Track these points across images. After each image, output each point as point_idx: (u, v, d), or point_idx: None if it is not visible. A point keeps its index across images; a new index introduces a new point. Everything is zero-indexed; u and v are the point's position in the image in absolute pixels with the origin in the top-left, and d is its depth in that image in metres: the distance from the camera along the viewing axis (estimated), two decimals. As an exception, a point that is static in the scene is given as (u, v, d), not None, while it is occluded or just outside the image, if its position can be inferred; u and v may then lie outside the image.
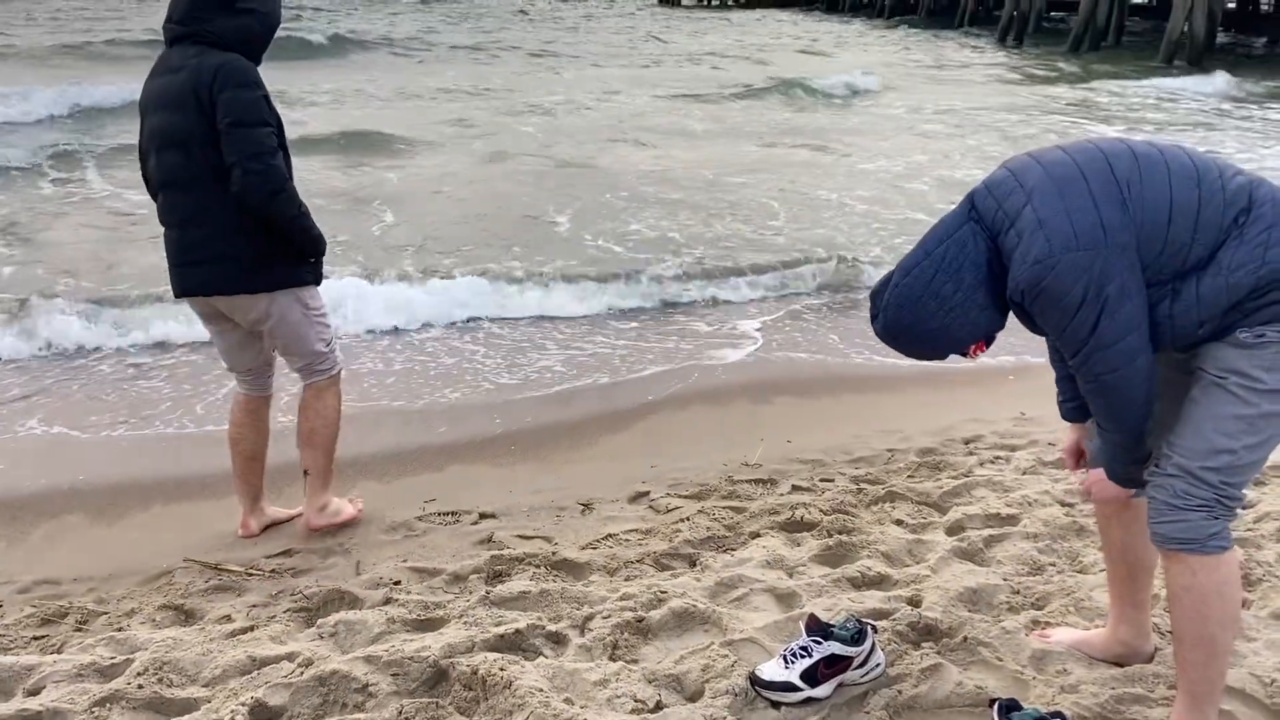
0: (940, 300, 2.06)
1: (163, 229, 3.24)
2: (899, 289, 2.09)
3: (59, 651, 2.69)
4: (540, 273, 7.03)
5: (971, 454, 4.18)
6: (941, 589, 2.81)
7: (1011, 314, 2.15)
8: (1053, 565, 3.05)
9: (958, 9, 38.90)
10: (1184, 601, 2.10)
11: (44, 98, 13.40)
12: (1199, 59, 23.50)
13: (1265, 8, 35.21)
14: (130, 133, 6.64)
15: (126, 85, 12.20)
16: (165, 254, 3.25)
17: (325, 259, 3.39)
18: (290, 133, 3.33)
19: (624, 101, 16.32)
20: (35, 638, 2.82)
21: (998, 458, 4.10)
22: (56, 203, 8.80)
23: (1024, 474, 3.87)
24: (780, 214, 9.08)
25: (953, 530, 3.34)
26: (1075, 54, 26.88)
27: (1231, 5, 33.37)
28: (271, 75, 3.30)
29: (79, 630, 2.87)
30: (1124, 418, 2.10)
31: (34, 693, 2.43)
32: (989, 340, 2.16)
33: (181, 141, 3.06)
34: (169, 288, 3.31)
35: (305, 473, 3.55)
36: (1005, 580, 2.90)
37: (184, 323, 5.66)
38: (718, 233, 8.31)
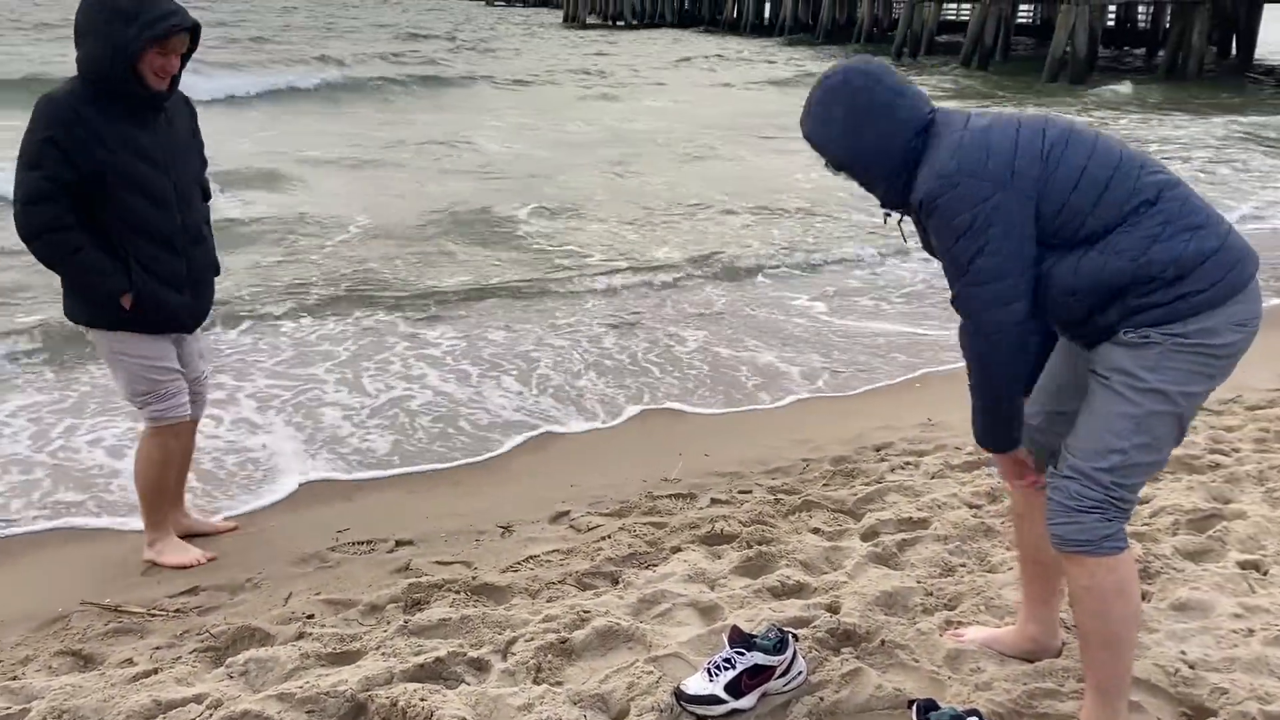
0: (876, 110, 2.15)
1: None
2: (858, 71, 2.18)
3: (-54, 707, 2.53)
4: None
5: (883, 460, 4.27)
6: (858, 594, 2.86)
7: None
8: (963, 566, 3.13)
9: (854, 28, 40.01)
10: (1085, 602, 2.15)
11: None
12: (1082, 76, 24.65)
13: (1142, 24, 37.12)
14: None
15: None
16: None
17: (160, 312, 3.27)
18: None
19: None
20: (-81, 693, 2.65)
21: (908, 463, 4.20)
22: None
23: (933, 478, 3.97)
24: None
25: (867, 536, 3.41)
26: (966, 69, 27.91)
27: (1110, 23, 35.12)
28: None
29: (-32, 683, 2.71)
30: (986, 373, 2.17)
31: (-81, 752, 2.28)
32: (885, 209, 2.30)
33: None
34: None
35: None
36: (919, 583, 2.97)
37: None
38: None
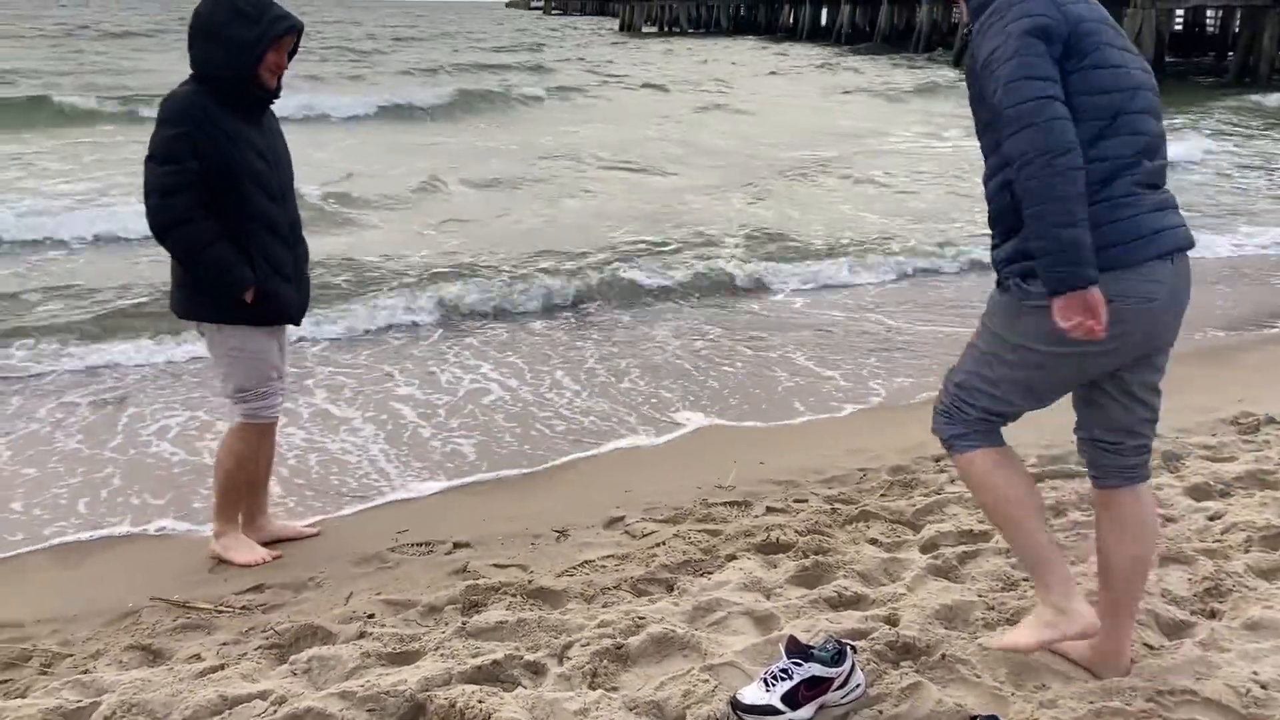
0: None
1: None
2: None
3: (23, 696, 2.61)
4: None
5: (942, 471, 4.21)
6: (918, 607, 2.83)
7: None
8: (1026, 580, 3.07)
9: (913, 34, 39.63)
10: (968, 488, 2.54)
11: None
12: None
13: (1210, 28, 36.19)
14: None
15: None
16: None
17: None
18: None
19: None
20: (-2, 682, 2.75)
21: (968, 475, 4.13)
22: None
23: (994, 490, 3.90)
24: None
25: (926, 548, 3.36)
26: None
27: (1178, 27, 34.30)
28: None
29: (44, 673, 2.80)
30: (1044, 189, 2.03)
31: (-3, 740, 2.36)
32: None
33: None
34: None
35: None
36: (980, 596, 2.92)
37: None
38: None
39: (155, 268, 7.19)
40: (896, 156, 14.67)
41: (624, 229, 9.47)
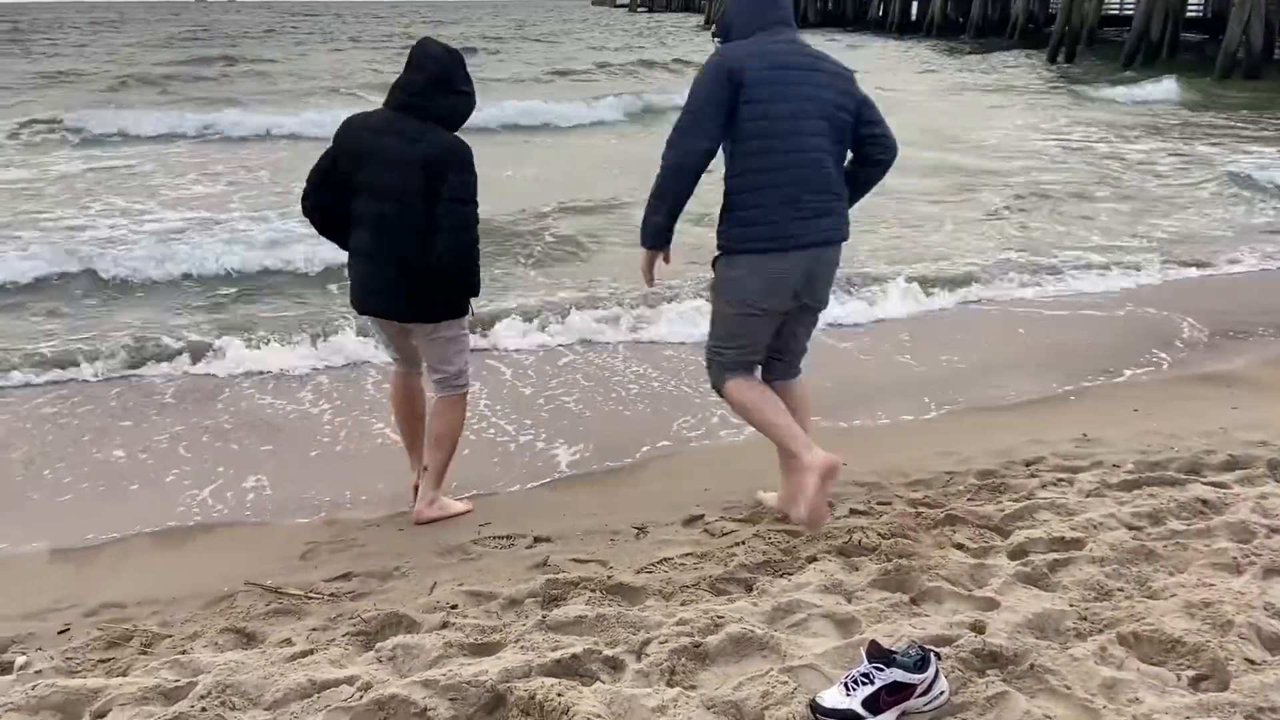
0: None
1: (362, 260, 3.69)
2: None
3: (125, 674, 2.73)
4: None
5: (1033, 476, 4.09)
6: (1006, 614, 2.75)
7: None
8: (1120, 590, 2.97)
9: (1007, 25, 38.59)
10: (734, 412, 3.60)
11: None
12: (1257, 71, 23.05)
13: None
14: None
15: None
16: (360, 285, 3.74)
17: None
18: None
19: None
20: (102, 660, 2.87)
21: (1060, 480, 4.01)
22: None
23: (1088, 496, 3.78)
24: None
25: (1016, 554, 3.27)
26: (1129, 69, 26.51)
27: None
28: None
29: (144, 653, 2.92)
30: (659, 181, 3.26)
31: (101, 715, 2.46)
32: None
33: (420, 202, 3.54)
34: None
35: (424, 469, 3.94)
36: (1072, 606, 2.83)
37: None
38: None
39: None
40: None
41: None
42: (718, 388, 3.50)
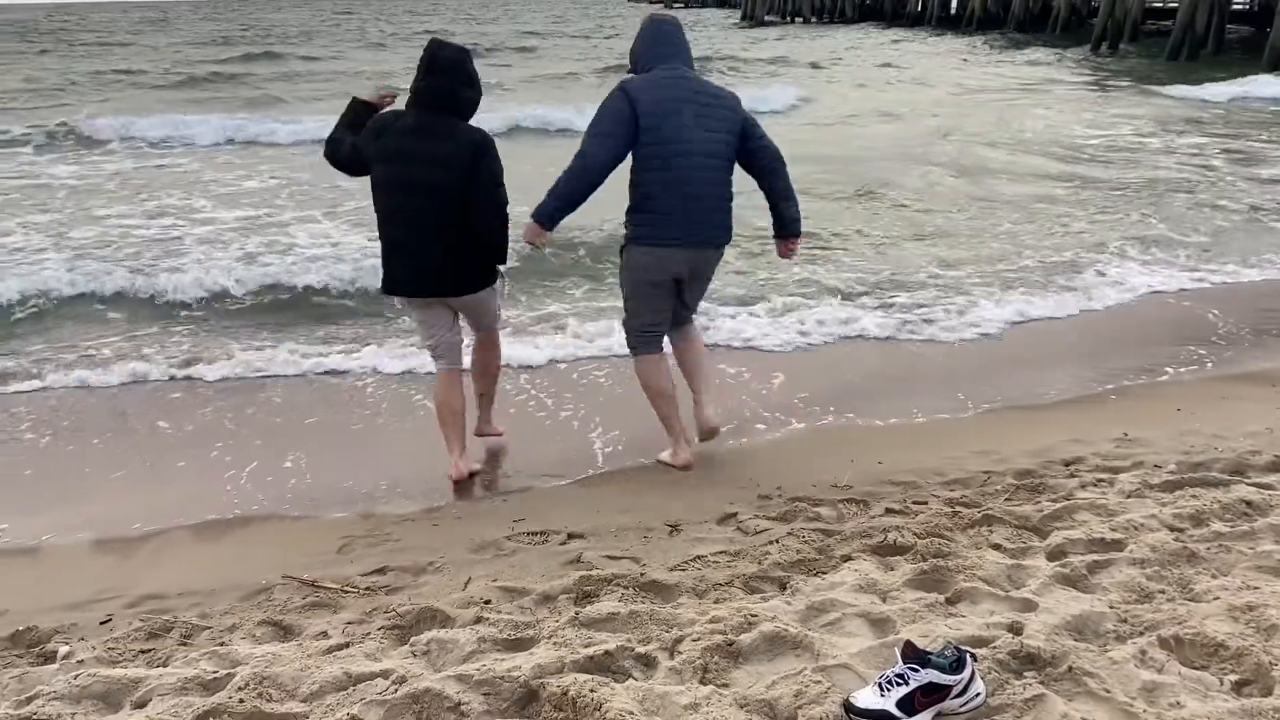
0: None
1: (396, 253, 4.03)
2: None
3: (165, 665, 2.78)
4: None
5: (1072, 476, 4.03)
6: (1044, 616, 2.71)
7: None
8: (1162, 592, 2.92)
9: (1049, 18, 38.07)
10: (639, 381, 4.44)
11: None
12: (1309, 63, 22.53)
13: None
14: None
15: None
16: (399, 271, 4.07)
17: None
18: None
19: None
20: (143, 651, 2.92)
21: (1100, 480, 3.95)
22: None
23: (1128, 497, 3.72)
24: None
25: (1054, 555, 3.22)
26: (1174, 61, 26.03)
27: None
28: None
29: (183, 644, 2.96)
30: (564, 179, 3.95)
31: (141, 705, 2.51)
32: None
33: (454, 192, 3.92)
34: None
35: (481, 396, 4.63)
36: (1111, 608, 2.78)
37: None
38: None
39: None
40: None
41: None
42: (633, 352, 4.36)
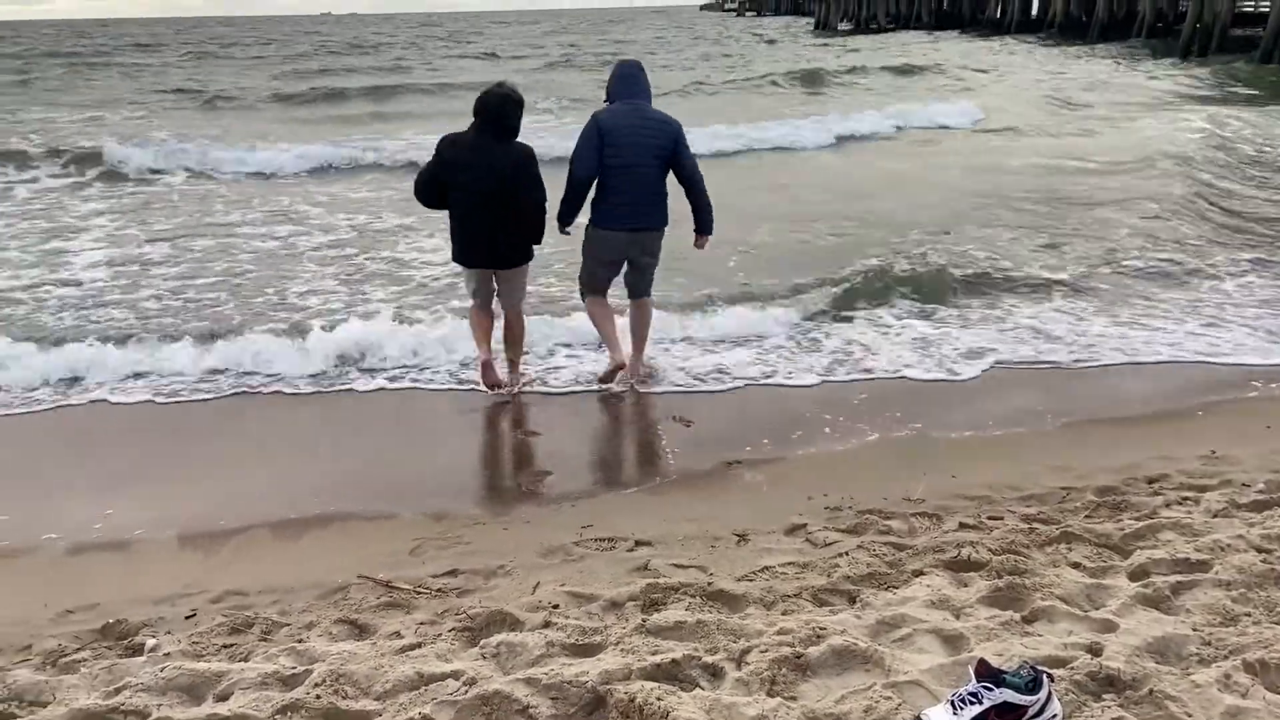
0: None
1: (470, 234, 5.30)
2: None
3: (246, 660, 2.86)
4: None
5: (1156, 494, 3.92)
6: (1125, 637, 2.64)
7: None
8: (1248, 615, 2.81)
9: (1134, 23, 37.08)
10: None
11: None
12: None
13: None
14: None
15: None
16: (468, 248, 5.36)
17: None
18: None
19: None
20: (225, 646, 3.01)
21: (1185, 499, 3.83)
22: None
23: (1215, 517, 3.60)
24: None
25: (1136, 575, 3.13)
26: (1265, 65, 25.12)
27: None
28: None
29: (264, 640, 3.05)
30: (566, 195, 5.36)
31: (223, 698, 2.59)
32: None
33: (508, 191, 5.22)
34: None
35: (511, 362, 5.66)
36: (1195, 630, 2.69)
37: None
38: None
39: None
40: None
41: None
42: (583, 298, 5.69)
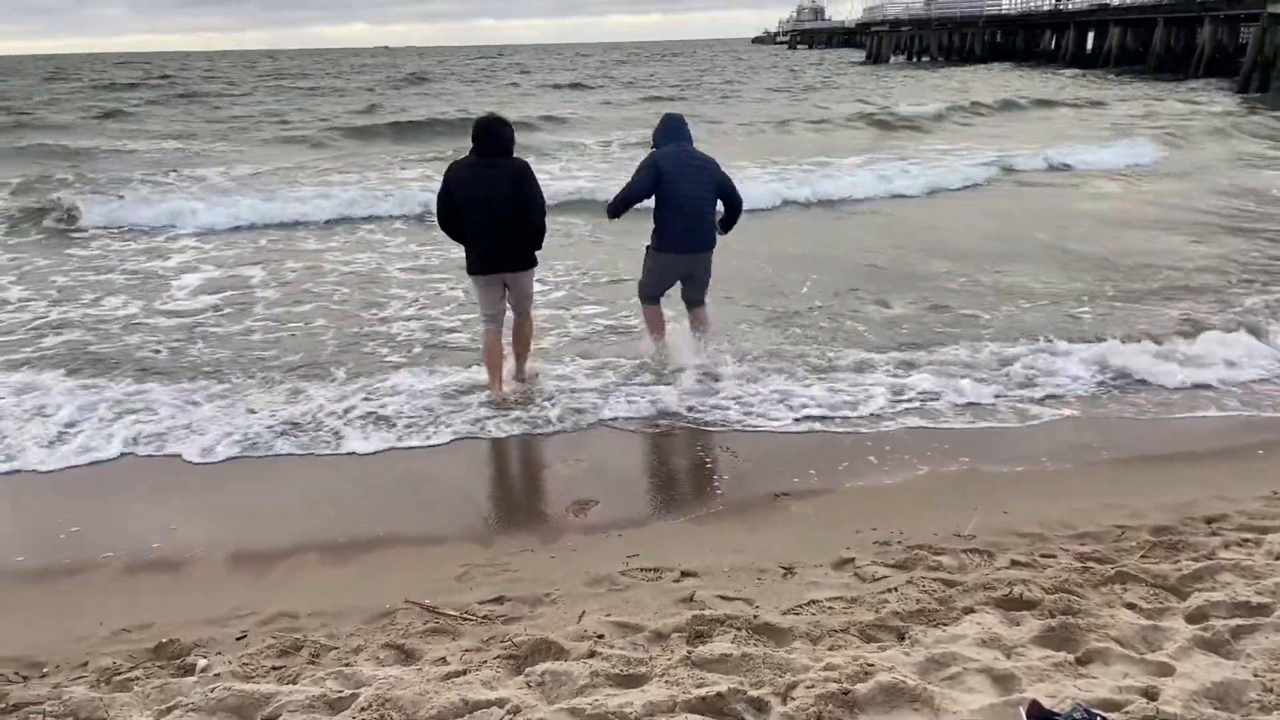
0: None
1: (479, 244, 5.80)
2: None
3: (294, 682, 2.89)
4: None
5: (1215, 535, 3.82)
6: (1182, 681, 2.57)
7: None
8: (1315, 665, 2.72)
9: (1192, 56, 36.58)
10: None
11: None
12: None
13: None
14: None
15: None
16: (480, 257, 5.83)
17: None
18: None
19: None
20: (274, 668, 3.05)
21: (1246, 540, 3.73)
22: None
23: (1277, 559, 3.50)
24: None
25: (1194, 618, 3.05)
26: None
27: None
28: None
29: (312, 663, 3.09)
30: (617, 199, 6.25)
31: None
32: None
33: (509, 201, 5.73)
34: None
35: (518, 357, 6.22)
36: (1256, 676, 2.62)
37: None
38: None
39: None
40: None
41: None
42: (641, 304, 6.59)
